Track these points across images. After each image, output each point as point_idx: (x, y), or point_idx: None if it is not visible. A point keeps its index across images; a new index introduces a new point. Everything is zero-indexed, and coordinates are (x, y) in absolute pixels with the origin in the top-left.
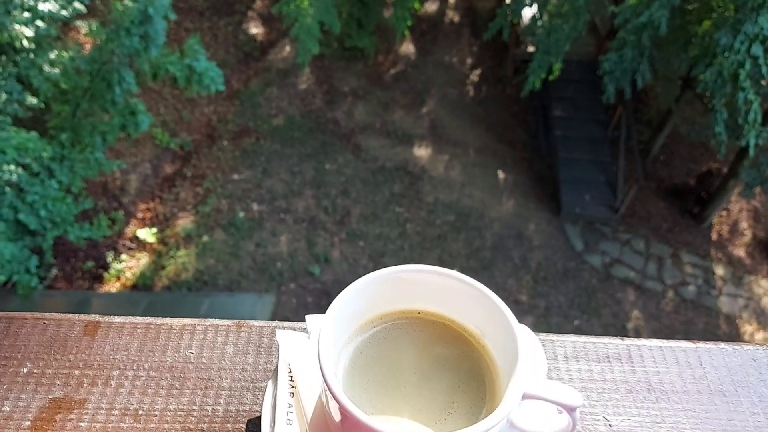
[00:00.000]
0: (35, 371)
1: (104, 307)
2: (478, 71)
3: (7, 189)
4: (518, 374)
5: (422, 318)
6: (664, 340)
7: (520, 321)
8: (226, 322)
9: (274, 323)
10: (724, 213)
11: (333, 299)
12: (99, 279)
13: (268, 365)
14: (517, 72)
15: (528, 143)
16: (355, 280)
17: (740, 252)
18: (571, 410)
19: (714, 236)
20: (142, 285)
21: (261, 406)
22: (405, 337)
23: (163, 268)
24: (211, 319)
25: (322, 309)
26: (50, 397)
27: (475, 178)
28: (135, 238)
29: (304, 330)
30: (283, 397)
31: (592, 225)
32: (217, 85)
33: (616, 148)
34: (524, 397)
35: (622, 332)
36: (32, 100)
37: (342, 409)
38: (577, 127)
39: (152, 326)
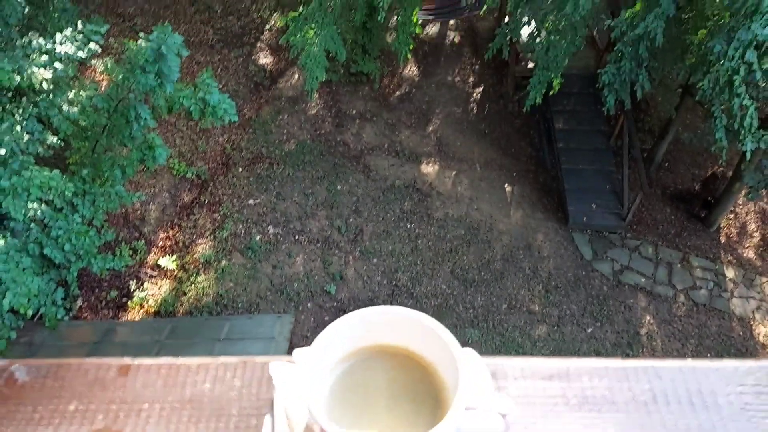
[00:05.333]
0: (80, 407)
1: (129, 334)
2: (480, 89)
3: (32, 225)
4: (460, 391)
5: (387, 350)
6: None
7: (533, 330)
8: (233, 359)
9: (274, 359)
10: (731, 216)
11: None
12: (123, 307)
13: (269, 395)
14: (519, 88)
15: (532, 156)
16: (343, 316)
17: (750, 253)
18: (503, 416)
19: (723, 239)
20: (164, 311)
21: None
22: (376, 367)
23: (185, 293)
24: (222, 357)
25: None
26: (93, 428)
27: (483, 192)
28: (156, 266)
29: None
30: (280, 427)
31: (600, 233)
32: (230, 116)
33: (619, 157)
34: (467, 408)
35: (635, 338)
36: (52, 139)
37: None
38: (580, 138)
39: (173, 366)
